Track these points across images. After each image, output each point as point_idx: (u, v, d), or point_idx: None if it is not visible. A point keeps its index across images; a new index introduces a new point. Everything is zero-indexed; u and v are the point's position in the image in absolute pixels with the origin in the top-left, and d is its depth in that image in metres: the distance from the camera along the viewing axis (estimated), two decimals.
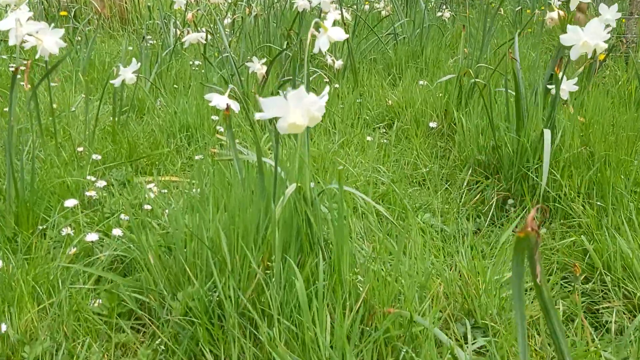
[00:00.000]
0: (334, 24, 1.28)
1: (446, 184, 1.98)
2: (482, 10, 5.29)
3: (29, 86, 1.49)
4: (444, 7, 4.23)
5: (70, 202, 1.50)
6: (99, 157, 1.99)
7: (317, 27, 1.29)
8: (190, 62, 3.11)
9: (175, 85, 2.89)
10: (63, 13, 4.06)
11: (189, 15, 2.39)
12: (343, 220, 1.11)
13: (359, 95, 3.00)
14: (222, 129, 2.30)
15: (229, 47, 2.57)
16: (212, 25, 3.15)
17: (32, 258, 1.33)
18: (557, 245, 1.48)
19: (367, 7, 5.27)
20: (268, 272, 1.17)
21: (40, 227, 1.54)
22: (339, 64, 3.02)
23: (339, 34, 1.26)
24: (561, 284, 1.40)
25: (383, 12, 4.25)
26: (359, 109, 2.67)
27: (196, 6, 3.96)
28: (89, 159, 1.96)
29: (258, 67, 2.48)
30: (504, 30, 4.64)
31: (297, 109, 0.89)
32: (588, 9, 3.83)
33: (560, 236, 1.55)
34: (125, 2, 4.43)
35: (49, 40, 1.46)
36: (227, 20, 4.47)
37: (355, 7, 5.21)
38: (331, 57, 3.06)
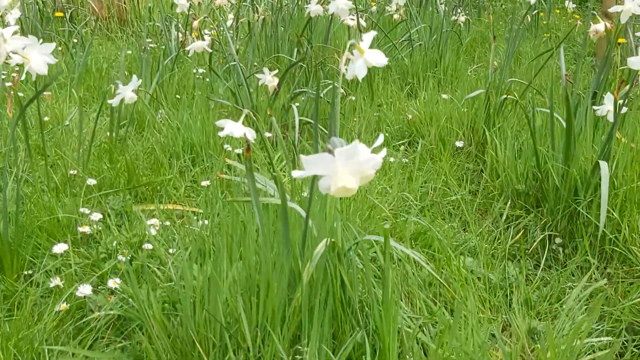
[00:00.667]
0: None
1: (480, 214, 1.78)
2: (502, 17, 5.08)
3: (12, 112, 1.28)
4: (459, 10, 4.02)
5: (60, 247, 1.29)
6: (94, 181, 1.78)
7: (352, 49, 1.09)
8: (194, 70, 2.90)
9: (177, 96, 2.68)
10: (58, 14, 3.85)
11: (195, 23, 2.19)
12: (390, 301, 0.91)
13: (377, 108, 2.80)
14: (228, 148, 2.10)
15: (236, 54, 2.37)
16: (217, 28, 2.94)
17: (14, 320, 1.13)
18: (625, 303, 1.28)
19: (374, 8, 5.07)
20: (295, 347, 0.97)
21: (26, 273, 1.34)
22: (351, 73, 2.81)
23: (379, 58, 1.06)
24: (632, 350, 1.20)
25: (395, 16, 4.04)
26: (377, 124, 2.47)
27: (198, 9, 3.76)
28: (83, 184, 1.76)
29: (269, 79, 2.27)
30: (524, 36, 4.44)
31: (347, 167, 0.69)
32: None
33: (624, 288, 1.36)
34: (124, 3, 4.22)
35: (37, 59, 1.26)
36: (230, 23, 4.26)
37: (361, 8, 5.01)
38: (345, 66, 2.85)
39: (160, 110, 2.52)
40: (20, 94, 2.59)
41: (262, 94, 2.46)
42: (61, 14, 3.89)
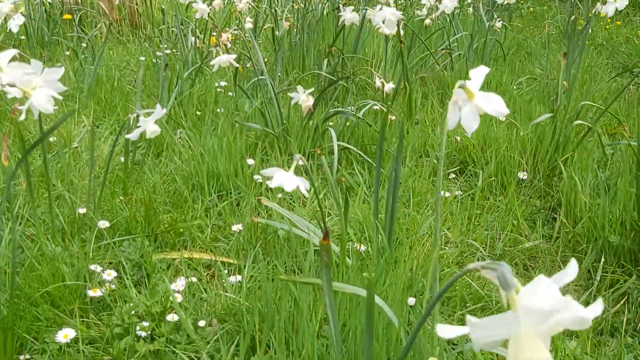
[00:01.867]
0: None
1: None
2: (531, 21, 4.75)
3: (7, 159, 1.01)
4: (495, 16, 3.73)
5: (65, 334, 1.03)
6: (107, 223, 1.52)
7: (460, 90, 0.82)
8: (216, 84, 2.63)
9: (198, 112, 2.41)
10: (67, 16, 3.59)
11: (224, 37, 1.92)
12: None
13: (417, 125, 2.53)
14: (259, 179, 1.83)
15: (264, 66, 2.10)
16: (244, 36, 2.67)
17: None
18: None
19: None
20: None
21: (23, 358, 1.07)
22: (389, 87, 2.54)
23: (497, 106, 0.78)
24: None
25: (427, 21, 3.76)
26: (423, 146, 2.19)
27: (219, 14, 3.49)
28: (94, 227, 1.49)
29: (303, 98, 2.00)
30: (559, 44, 4.15)
31: (537, 328, 0.42)
32: None
33: None
34: (137, 4, 3.96)
35: (40, 94, 0.99)
36: (249, 25, 4.00)
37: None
38: (380, 78, 2.58)
39: (179, 130, 2.26)
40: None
41: (293, 112, 2.19)
42: (69, 17, 3.63)
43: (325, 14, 3.33)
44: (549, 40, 4.37)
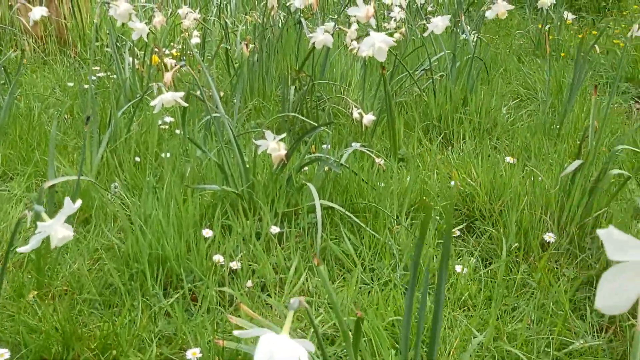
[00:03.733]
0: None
1: None
2: (497, 31, 4.43)
3: None
4: (468, 28, 3.38)
5: None
6: (6, 353, 1.05)
7: None
8: (160, 120, 2.16)
9: (137, 158, 1.95)
10: None
11: (167, 76, 1.46)
12: None
13: (402, 162, 2.14)
14: (221, 260, 1.39)
15: (219, 99, 1.65)
16: (185, 54, 2.23)
17: None
18: None
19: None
20: None
21: None
22: (369, 119, 2.14)
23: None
24: None
25: (396, 35, 3.38)
26: (419, 196, 1.79)
27: (160, 33, 3.02)
28: None
29: (273, 146, 1.58)
30: (530, 56, 3.86)
31: None
32: None
33: None
34: (65, 18, 3.43)
35: None
36: (195, 40, 3.55)
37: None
38: (358, 108, 2.18)
39: (114, 184, 1.79)
40: None
41: (260, 159, 1.75)
42: None
43: (285, 29, 2.90)
44: (521, 53, 4.09)
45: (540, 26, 4.11)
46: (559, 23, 4.31)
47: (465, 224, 1.72)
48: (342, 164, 1.71)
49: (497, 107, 2.55)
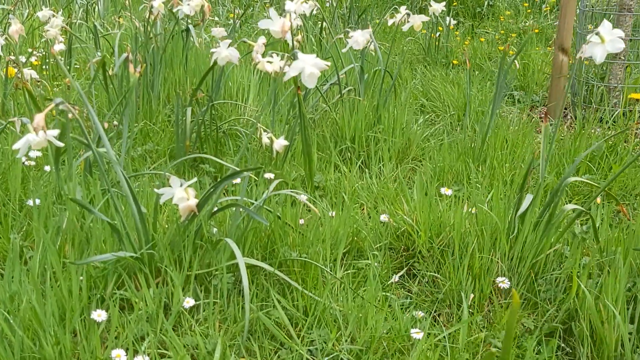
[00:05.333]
0: None
1: None
2: (384, 36, 4.30)
3: None
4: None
5: None
6: None
7: None
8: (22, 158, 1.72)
9: None
10: None
11: (38, 119, 1.07)
12: None
13: (318, 189, 1.90)
14: (123, 355, 1.06)
15: (104, 133, 1.29)
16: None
17: None
18: None
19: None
20: None
21: None
22: (280, 144, 1.88)
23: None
24: None
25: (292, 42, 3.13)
26: (351, 236, 1.56)
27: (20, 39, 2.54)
28: None
29: (181, 195, 1.26)
30: (422, 63, 3.80)
31: None
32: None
33: None
34: None
35: None
36: (60, 47, 3.08)
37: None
38: (267, 132, 1.91)
39: None
40: None
41: (163, 210, 1.42)
42: None
43: (171, 37, 2.54)
44: (412, 61, 4.01)
45: (432, 35, 4.07)
46: (446, 30, 4.31)
47: (405, 268, 1.51)
48: (266, 209, 1.43)
49: (409, 124, 2.39)
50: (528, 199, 1.37)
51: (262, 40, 1.81)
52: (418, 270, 1.50)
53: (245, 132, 2.15)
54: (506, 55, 1.94)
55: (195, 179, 1.28)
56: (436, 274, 1.45)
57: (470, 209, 1.55)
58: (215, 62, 1.73)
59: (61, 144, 1.25)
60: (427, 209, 1.57)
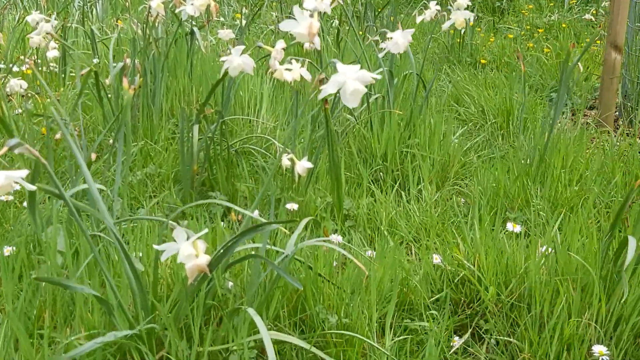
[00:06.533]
0: None
1: None
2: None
3: None
4: (387, 33, 2.89)
5: None
6: None
7: None
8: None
9: None
10: None
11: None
12: None
13: (350, 221, 1.61)
14: None
15: (89, 173, 1.00)
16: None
17: None
18: None
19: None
20: None
21: None
22: (303, 166, 1.57)
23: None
24: None
25: (306, 45, 2.83)
26: (396, 288, 1.26)
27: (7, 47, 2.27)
28: None
29: (188, 252, 0.96)
30: (446, 63, 3.49)
31: None
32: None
33: None
34: None
35: None
36: (53, 53, 2.81)
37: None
38: (288, 154, 1.61)
39: None
40: None
41: (166, 270, 1.13)
42: None
43: (174, 41, 2.25)
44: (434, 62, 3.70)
45: (452, 32, 3.76)
46: (470, 26, 3.99)
47: (470, 330, 1.21)
48: (296, 259, 1.14)
49: (447, 135, 2.08)
50: (632, 243, 1.06)
51: (280, 44, 1.51)
52: (485, 330, 1.20)
53: (259, 151, 1.85)
54: (569, 59, 1.62)
55: (205, 230, 0.98)
56: (509, 338, 1.15)
57: (546, 251, 1.25)
58: (225, 73, 1.43)
59: (33, 187, 0.96)
60: (492, 251, 1.27)
